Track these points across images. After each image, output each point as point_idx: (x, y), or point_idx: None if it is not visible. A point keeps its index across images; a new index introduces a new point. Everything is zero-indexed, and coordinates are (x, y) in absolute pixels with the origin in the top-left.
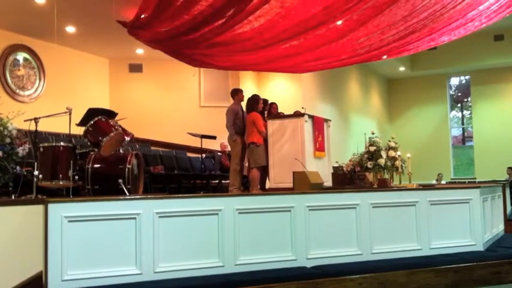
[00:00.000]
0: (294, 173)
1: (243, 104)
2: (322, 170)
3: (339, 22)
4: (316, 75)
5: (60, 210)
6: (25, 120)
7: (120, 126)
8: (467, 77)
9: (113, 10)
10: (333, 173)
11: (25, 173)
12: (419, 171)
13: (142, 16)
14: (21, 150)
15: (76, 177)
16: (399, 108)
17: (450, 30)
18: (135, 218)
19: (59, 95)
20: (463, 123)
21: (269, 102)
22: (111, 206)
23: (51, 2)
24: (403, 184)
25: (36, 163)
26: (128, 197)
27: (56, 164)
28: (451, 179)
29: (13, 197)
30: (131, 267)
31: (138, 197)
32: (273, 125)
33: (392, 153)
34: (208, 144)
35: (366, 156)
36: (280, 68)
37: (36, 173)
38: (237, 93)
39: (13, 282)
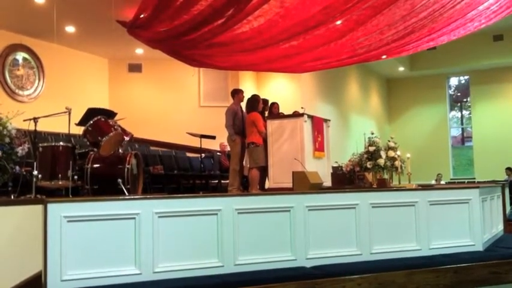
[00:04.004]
0: (293, 173)
1: (243, 104)
2: (321, 170)
3: (338, 22)
4: (316, 75)
5: (59, 210)
6: (24, 120)
7: (120, 126)
8: (466, 77)
9: (113, 10)
10: (332, 173)
11: (24, 173)
12: (418, 172)
13: (142, 16)
14: (21, 150)
15: (75, 177)
16: (398, 108)
17: (449, 30)
18: (134, 218)
19: (58, 95)
20: (462, 124)
21: (270, 102)
22: (111, 206)
23: (51, 1)
24: (403, 184)
25: (35, 163)
26: (127, 197)
27: (55, 163)
28: (451, 179)
29: (12, 197)
30: (130, 267)
31: (138, 197)
32: (272, 125)
33: (391, 153)
34: (207, 144)
35: (365, 156)
36: (279, 68)
37: (35, 172)
38: (237, 93)
39: (12, 282)
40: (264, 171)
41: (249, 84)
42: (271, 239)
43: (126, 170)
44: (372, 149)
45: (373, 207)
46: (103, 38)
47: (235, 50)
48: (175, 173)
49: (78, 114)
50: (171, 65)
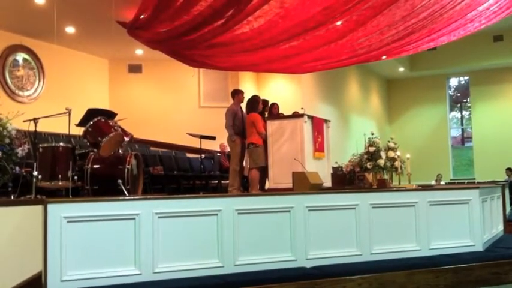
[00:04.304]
0: (293, 173)
1: (243, 105)
2: (321, 170)
3: (338, 23)
4: (316, 75)
5: (59, 211)
6: (24, 121)
7: (120, 126)
8: (466, 78)
9: (113, 10)
10: (332, 174)
11: (24, 174)
12: (418, 172)
13: (142, 16)
14: (21, 151)
15: (75, 177)
16: (398, 109)
17: (449, 30)
18: (134, 219)
19: (58, 96)
20: (462, 124)
21: (270, 102)
22: (111, 207)
23: (51, 2)
24: (403, 185)
25: (35, 163)
26: (127, 198)
27: (55, 164)
28: (451, 179)
29: (12, 198)
30: (130, 268)
31: (138, 197)
32: (272, 126)
33: (391, 153)
34: (207, 144)
35: (365, 156)
36: (279, 68)
37: (35, 173)
38: (237, 94)
39: (12, 282)
40: (264, 172)
41: (249, 85)
42: (271, 239)
43: (126, 170)
44: (372, 149)
45: (373, 207)
46: (103, 39)
47: (236, 50)
48: (175, 173)
49: (78, 115)
50: (171, 65)
